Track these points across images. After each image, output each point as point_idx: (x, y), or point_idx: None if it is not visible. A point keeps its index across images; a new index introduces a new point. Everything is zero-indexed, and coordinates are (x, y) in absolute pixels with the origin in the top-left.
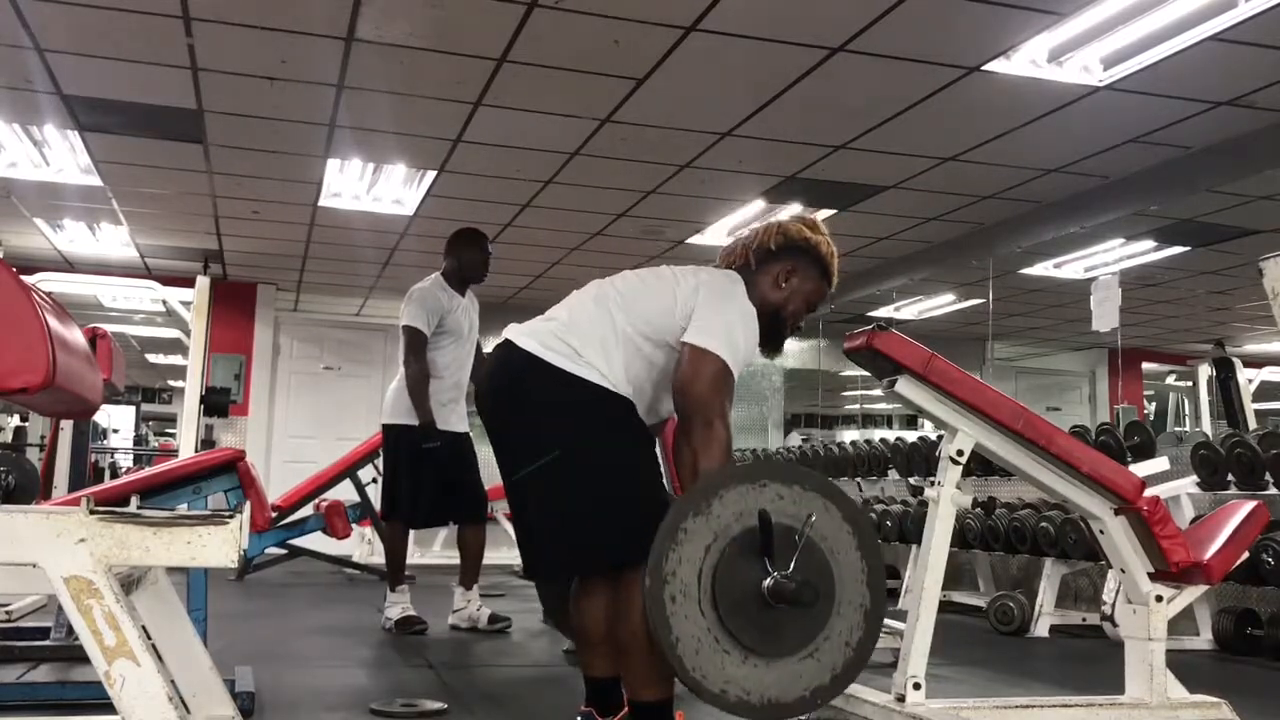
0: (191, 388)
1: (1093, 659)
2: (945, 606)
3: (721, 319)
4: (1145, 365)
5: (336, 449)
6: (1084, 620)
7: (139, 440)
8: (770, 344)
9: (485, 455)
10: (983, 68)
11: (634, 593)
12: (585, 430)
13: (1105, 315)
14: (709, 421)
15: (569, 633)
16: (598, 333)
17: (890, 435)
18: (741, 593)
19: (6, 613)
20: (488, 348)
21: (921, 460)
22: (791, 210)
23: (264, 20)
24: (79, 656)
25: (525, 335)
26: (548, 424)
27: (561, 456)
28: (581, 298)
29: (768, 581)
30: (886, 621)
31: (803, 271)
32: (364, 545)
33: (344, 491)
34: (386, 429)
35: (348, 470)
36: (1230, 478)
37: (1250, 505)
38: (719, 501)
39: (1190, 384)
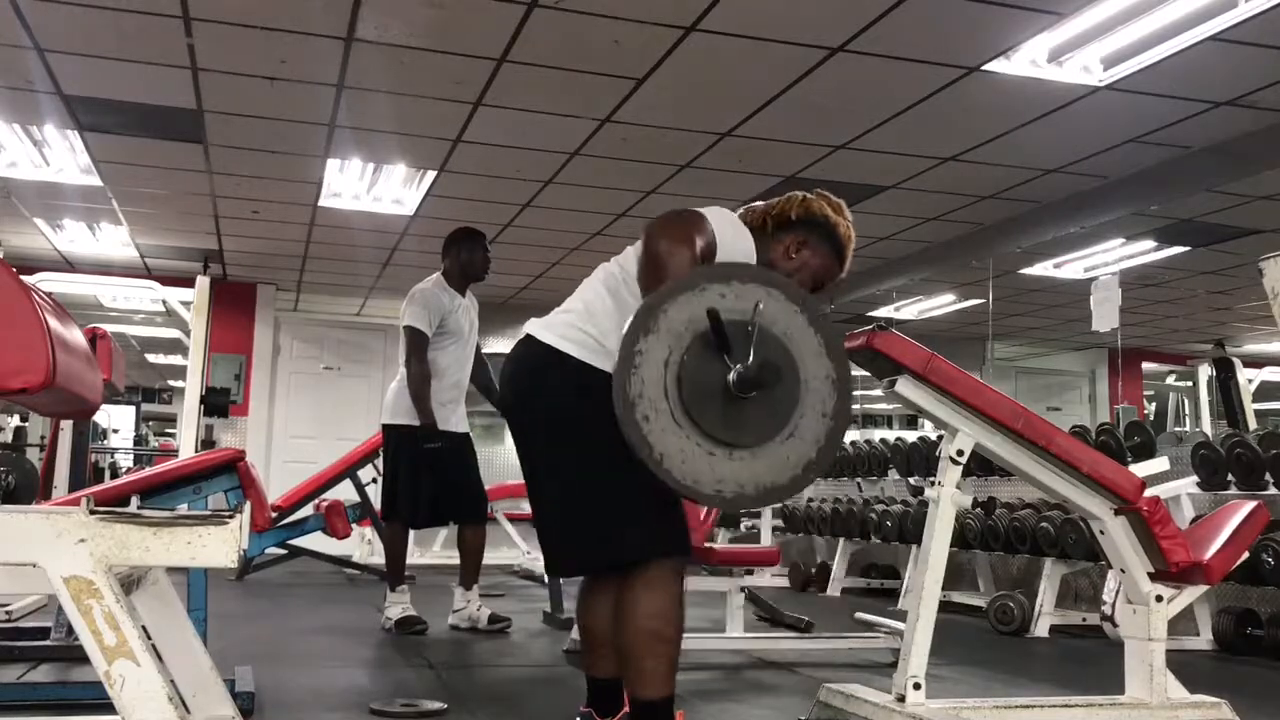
0: (191, 388)
1: (1093, 659)
2: (945, 606)
3: (713, 214)
4: (1145, 365)
5: (336, 449)
6: (1084, 620)
7: (139, 440)
8: None
9: (485, 455)
10: (983, 68)
11: (636, 592)
12: (604, 424)
13: (1105, 315)
14: (663, 252)
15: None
16: (614, 320)
17: (890, 435)
18: (710, 393)
19: (6, 613)
20: (487, 348)
21: (921, 460)
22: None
23: (264, 20)
24: (79, 656)
25: (544, 328)
26: (567, 418)
27: (580, 451)
28: (593, 284)
29: (731, 375)
30: (887, 622)
31: (815, 246)
32: (364, 545)
33: (344, 491)
34: (387, 429)
35: (348, 470)
36: (1230, 478)
37: (1250, 505)
38: (664, 316)
39: (1190, 384)
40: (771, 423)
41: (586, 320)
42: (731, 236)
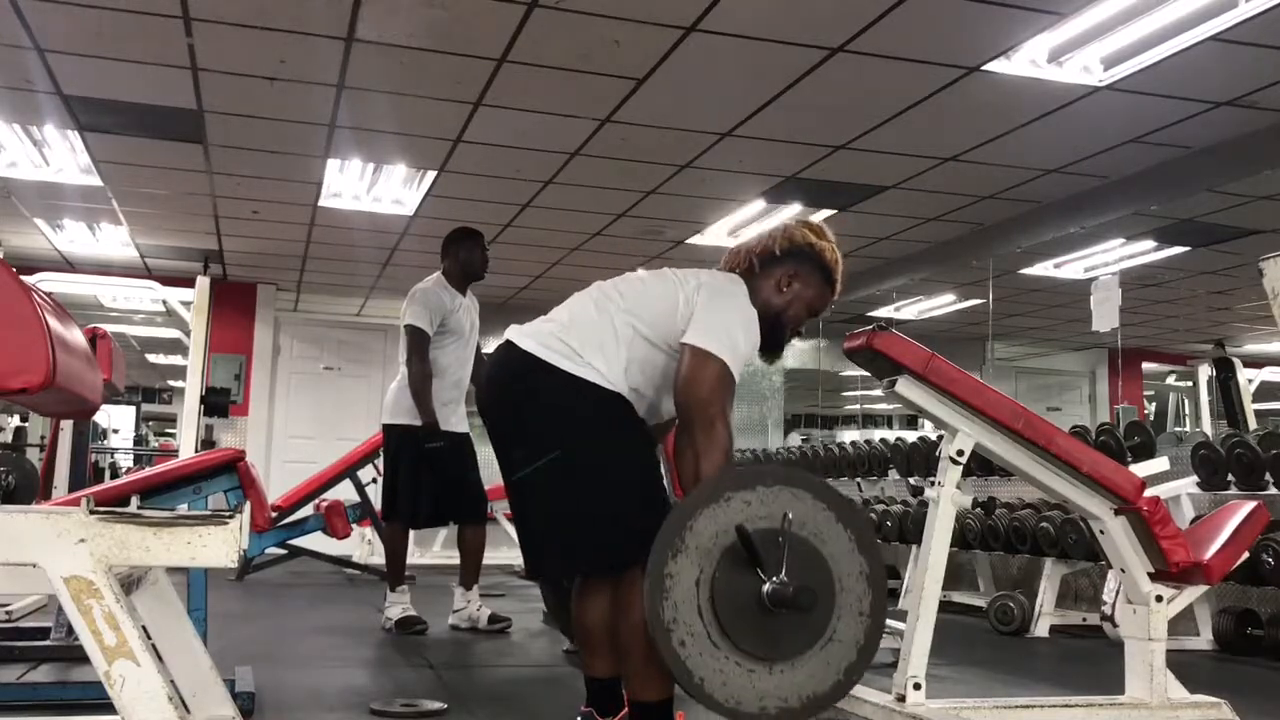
0: (191, 388)
1: (1093, 659)
2: (945, 606)
3: (722, 320)
4: (1145, 365)
5: (336, 449)
6: (1084, 620)
7: (139, 440)
8: (771, 348)
9: (485, 455)
10: (983, 68)
11: (634, 593)
12: (586, 430)
13: (1105, 315)
14: (710, 422)
15: (571, 634)
16: (598, 334)
17: (890, 435)
18: (746, 610)
19: (6, 613)
20: (487, 348)
21: (921, 460)
22: (791, 210)
23: (264, 20)
24: (79, 656)
25: (525, 336)
26: (548, 424)
27: (562, 457)
28: (582, 299)
29: (766, 588)
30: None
31: (805, 277)
32: (364, 545)
33: (344, 491)
34: (387, 429)
35: (348, 470)
36: (1230, 478)
37: (1250, 505)
38: (690, 533)
39: (1190, 384)
40: (810, 631)
41: (567, 332)
42: (746, 353)
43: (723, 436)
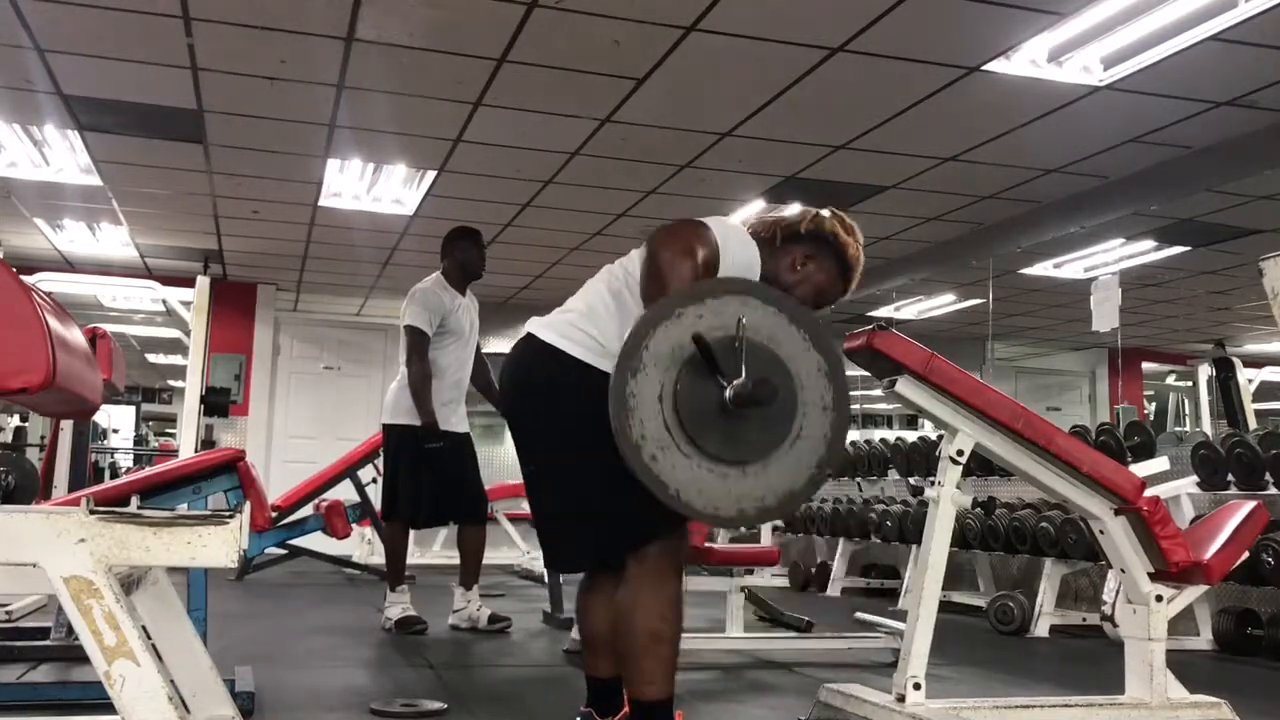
0: (191, 388)
1: (1093, 659)
2: (945, 606)
3: (719, 225)
4: (1145, 365)
5: (336, 449)
6: (1084, 620)
7: (139, 440)
8: None
9: (485, 455)
10: (983, 68)
11: (635, 591)
12: (602, 425)
13: (1105, 315)
14: (677, 256)
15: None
16: (615, 321)
17: (890, 435)
18: (710, 415)
19: (6, 613)
20: (487, 348)
21: (921, 460)
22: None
23: (264, 20)
24: (79, 656)
25: (545, 327)
26: (567, 416)
27: (580, 448)
28: (596, 285)
29: (727, 393)
30: (887, 622)
31: (821, 262)
32: (364, 545)
33: (344, 491)
34: (387, 429)
35: (348, 470)
36: (1230, 478)
37: (1250, 505)
38: (647, 352)
39: (1190, 384)
40: (776, 431)
41: (587, 321)
42: (736, 246)
43: (687, 269)
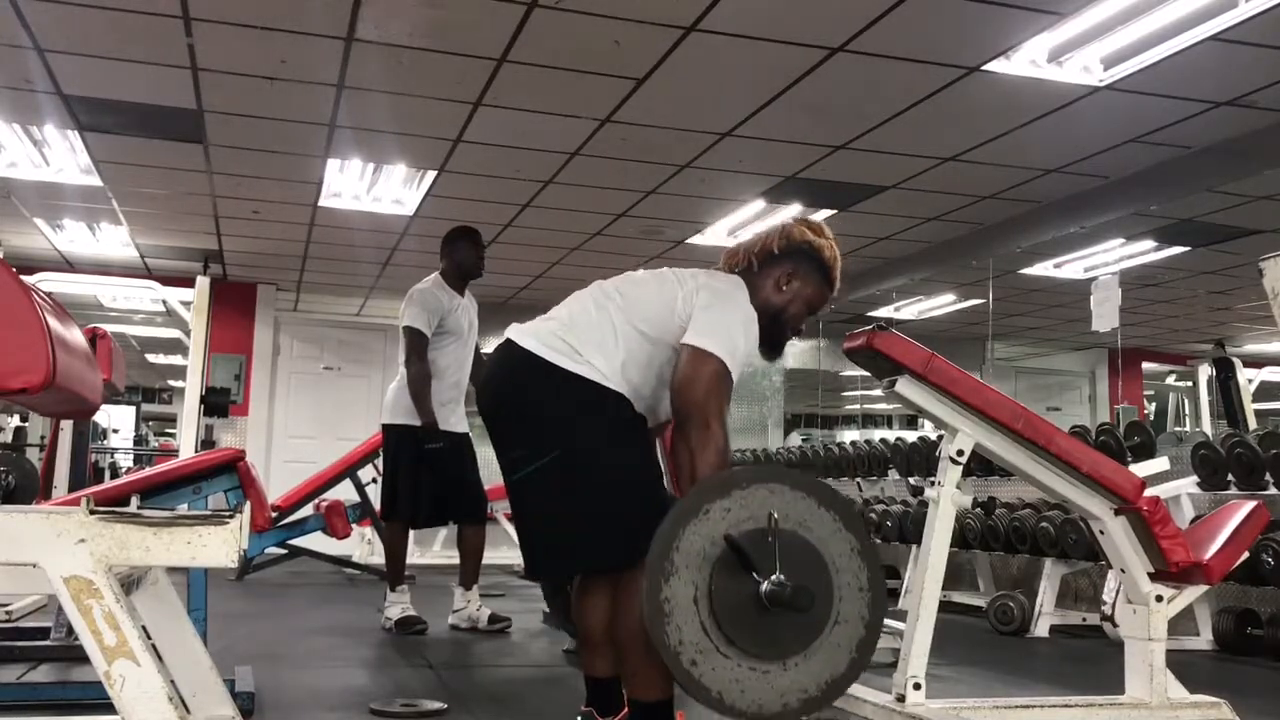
0: (191, 388)
1: (1093, 659)
2: (945, 606)
3: (721, 320)
4: (1145, 365)
5: (336, 449)
6: (1084, 620)
7: (139, 440)
8: (770, 347)
9: (485, 455)
10: (983, 68)
11: (633, 593)
12: (585, 429)
13: (1105, 315)
14: (705, 423)
15: (572, 632)
16: (597, 332)
17: (890, 435)
18: (747, 615)
19: (6, 613)
20: (487, 348)
21: (921, 460)
22: (791, 210)
23: (264, 20)
24: (79, 656)
25: (526, 334)
26: (548, 423)
27: (562, 456)
28: (582, 298)
29: (764, 587)
30: (887, 622)
31: (804, 275)
32: (364, 545)
33: (344, 491)
34: (387, 429)
35: (348, 470)
36: (1230, 478)
37: (1250, 505)
38: (678, 553)
39: (1190, 384)
40: (814, 620)
41: (567, 330)
42: (745, 353)
43: (718, 436)
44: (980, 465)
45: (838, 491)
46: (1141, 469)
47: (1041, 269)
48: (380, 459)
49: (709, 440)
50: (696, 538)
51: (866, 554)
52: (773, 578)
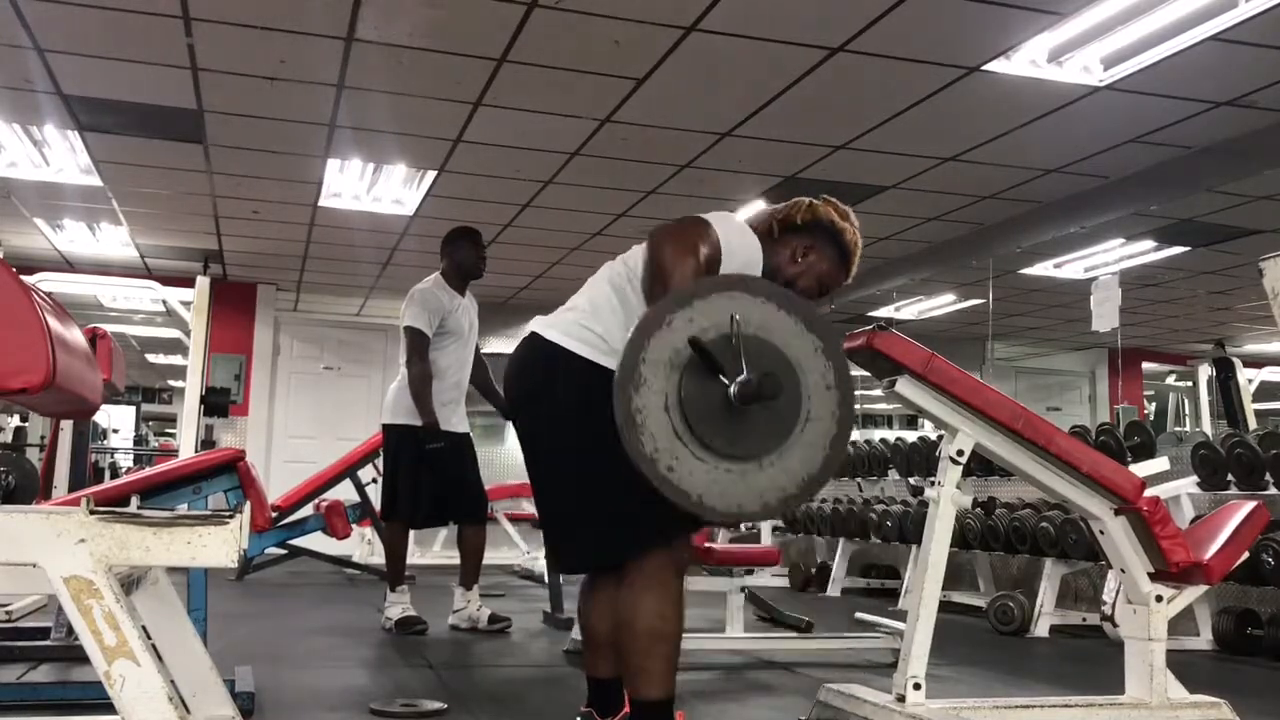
0: (191, 388)
1: (1093, 659)
2: (945, 606)
3: (721, 223)
4: (1145, 365)
5: (336, 449)
6: (1084, 620)
7: (139, 440)
8: None
9: (485, 455)
10: (983, 68)
11: (636, 592)
12: (608, 425)
13: (1105, 315)
14: (682, 254)
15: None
16: (618, 318)
17: (890, 435)
18: (718, 415)
19: (6, 613)
20: (487, 348)
21: (921, 460)
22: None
23: (264, 20)
24: (79, 656)
25: (549, 326)
26: (573, 418)
27: (586, 451)
28: (598, 282)
29: (732, 389)
30: (886, 622)
31: (821, 251)
32: (364, 545)
33: (344, 491)
34: (387, 429)
35: (348, 470)
36: (1230, 478)
37: (1250, 505)
38: (645, 365)
39: (1190, 384)
40: (786, 419)
41: (592, 319)
42: (738, 242)
43: (692, 263)
44: (980, 465)
45: (799, 298)
46: (1141, 469)
47: (1041, 269)
48: (380, 459)
49: (683, 262)
50: (661, 347)
51: (832, 352)
52: (740, 378)
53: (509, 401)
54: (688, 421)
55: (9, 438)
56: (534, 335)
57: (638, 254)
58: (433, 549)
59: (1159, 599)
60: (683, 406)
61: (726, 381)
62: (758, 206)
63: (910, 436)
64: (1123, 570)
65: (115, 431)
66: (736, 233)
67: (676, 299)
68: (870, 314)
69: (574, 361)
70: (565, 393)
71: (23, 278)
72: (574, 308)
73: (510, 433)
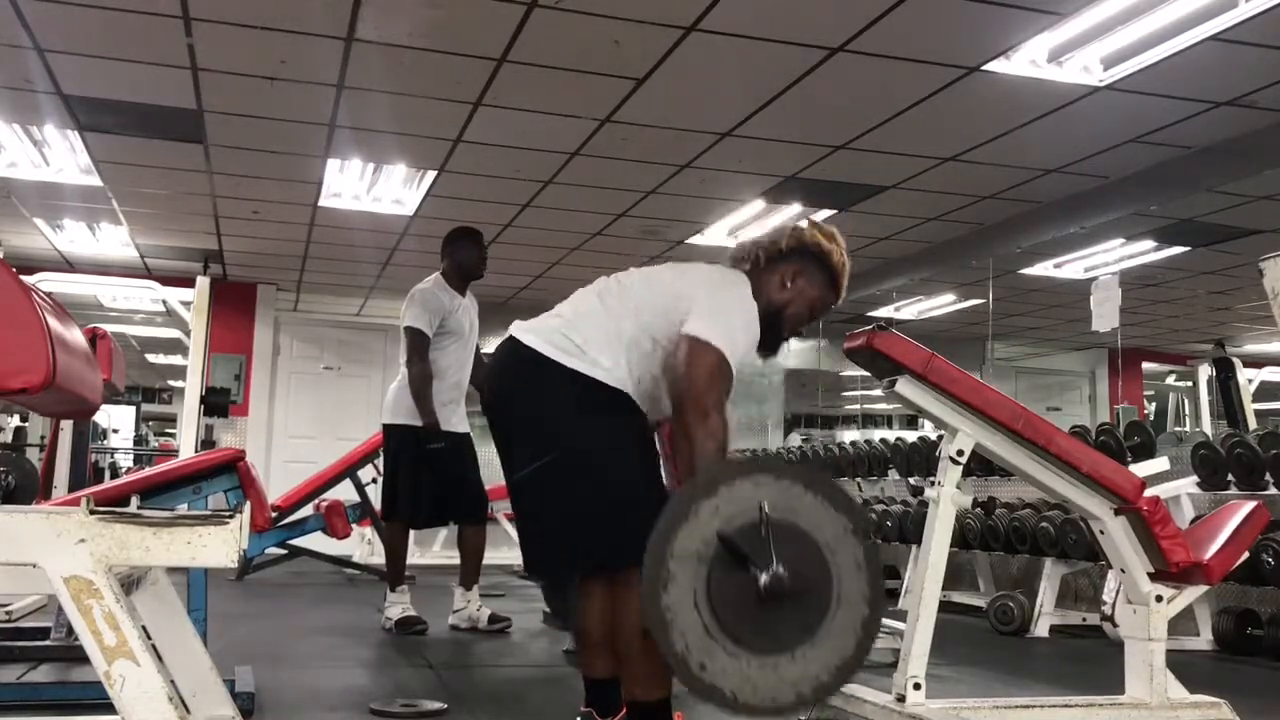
0: (191, 388)
1: (1093, 659)
2: (945, 606)
3: (721, 312)
4: (1145, 365)
5: (336, 449)
6: (1084, 620)
7: (139, 440)
8: (768, 346)
9: (485, 455)
10: (983, 68)
11: (630, 593)
12: (585, 429)
13: (1105, 315)
14: (704, 413)
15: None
16: (601, 328)
17: (890, 435)
18: (748, 609)
19: (6, 613)
20: (487, 348)
21: (921, 460)
22: (791, 210)
23: (264, 20)
24: (79, 656)
25: (529, 331)
26: (548, 422)
27: (561, 456)
28: (586, 294)
29: (763, 579)
30: (886, 622)
31: (809, 276)
32: (364, 545)
33: (344, 491)
34: (387, 429)
35: (348, 470)
36: (1230, 478)
37: (1250, 505)
38: (673, 560)
39: (1190, 384)
40: (817, 607)
41: (571, 327)
42: (744, 341)
43: (718, 427)
44: (980, 465)
45: (824, 474)
46: (1141, 469)
47: (1041, 269)
48: (380, 459)
49: (709, 431)
50: (689, 540)
51: (861, 533)
52: (770, 569)
53: (487, 403)
54: (718, 616)
55: (9, 438)
56: (513, 340)
57: (635, 284)
58: (433, 549)
59: (1159, 599)
60: (712, 601)
61: (756, 573)
62: (758, 206)
63: (910, 436)
64: (1123, 570)
65: (115, 431)
66: (741, 322)
67: (701, 488)
68: (870, 314)
69: (554, 369)
70: (541, 400)
71: (23, 278)
72: (558, 314)
73: None
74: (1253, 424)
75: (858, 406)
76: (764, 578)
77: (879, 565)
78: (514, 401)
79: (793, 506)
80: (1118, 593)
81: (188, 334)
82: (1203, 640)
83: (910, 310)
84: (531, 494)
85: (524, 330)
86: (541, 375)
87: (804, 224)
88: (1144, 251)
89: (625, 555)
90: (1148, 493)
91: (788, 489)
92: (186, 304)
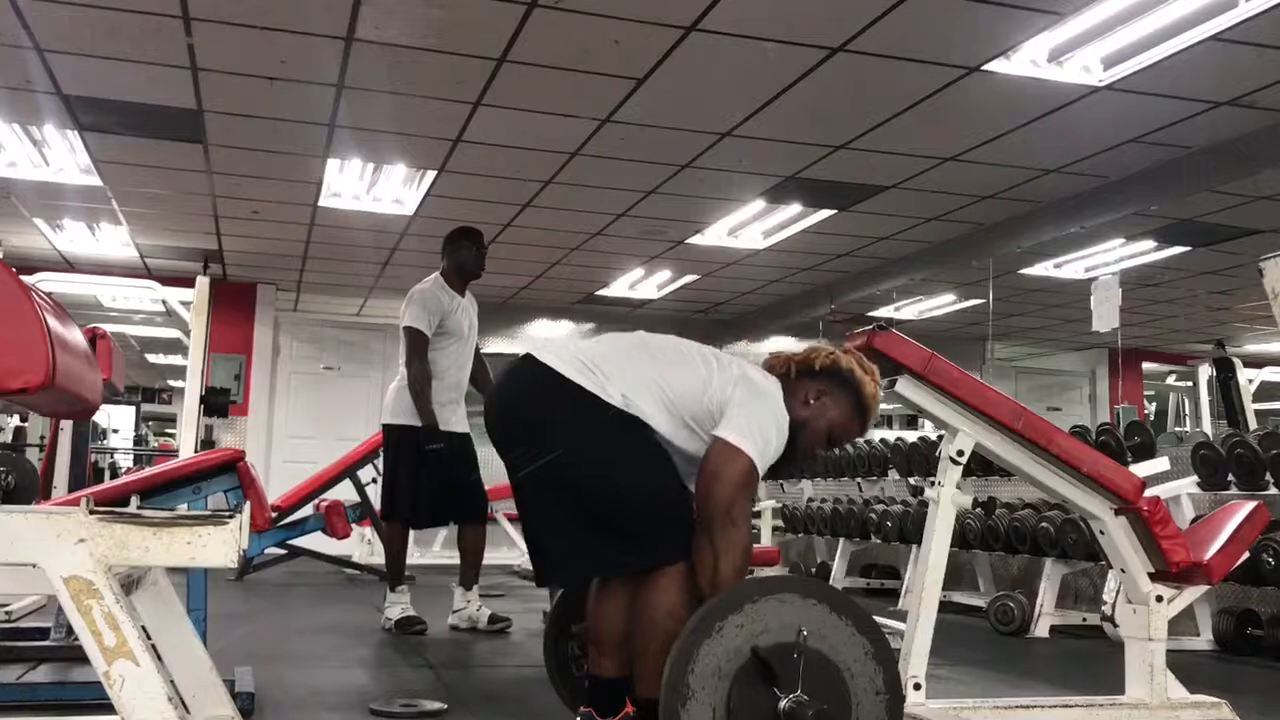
0: (191, 388)
1: (1093, 659)
2: (945, 606)
3: (757, 418)
4: (1145, 365)
5: (336, 449)
6: (1084, 620)
7: (139, 440)
8: (774, 466)
9: (485, 455)
10: (983, 68)
11: (653, 592)
12: (595, 432)
13: (1105, 315)
14: (731, 522)
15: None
16: (629, 374)
17: (890, 435)
18: None
19: (6, 613)
20: (487, 348)
21: (921, 460)
22: (791, 210)
23: (264, 20)
24: (79, 656)
25: (546, 353)
26: (554, 424)
27: (567, 454)
28: (618, 341)
29: (783, 704)
30: (887, 621)
31: (835, 397)
32: (364, 545)
33: (344, 491)
34: (387, 429)
35: (348, 470)
36: (1230, 478)
37: (1250, 505)
38: (694, 676)
39: (1190, 384)
40: None
41: (592, 358)
42: (773, 456)
43: (742, 537)
44: (980, 465)
45: (847, 596)
46: (1141, 469)
47: (1041, 269)
48: (380, 459)
49: (733, 542)
50: (711, 656)
51: (882, 658)
52: (792, 695)
53: (488, 416)
54: None
55: (9, 438)
56: (528, 357)
57: (669, 352)
58: (433, 549)
59: (1159, 599)
60: (730, 718)
61: (779, 695)
62: (758, 206)
63: (910, 436)
64: (1123, 570)
65: (115, 431)
66: (774, 437)
67: (726, 604)
68: (870, 314)
69: (569, 386)
70: (550, 407)
71: (23, 278)
72: (580, 345)
73: None
74: (1253, 424)
75: None
76: (784, 703)
77: (899, 690)
78: (519, 408)
79: (817, 628)
80: (1118, 593)
81: (187, 334)
82: (1203, 640)
83: (910, 310)
84: (537, 496)
85: (541, 351)
86: (551, 388)
87: (842, 351)
88: (1144, 251)
89: (649, 556)
90: (1148, 493)
91: (813, 609)
92: (186, 304)
